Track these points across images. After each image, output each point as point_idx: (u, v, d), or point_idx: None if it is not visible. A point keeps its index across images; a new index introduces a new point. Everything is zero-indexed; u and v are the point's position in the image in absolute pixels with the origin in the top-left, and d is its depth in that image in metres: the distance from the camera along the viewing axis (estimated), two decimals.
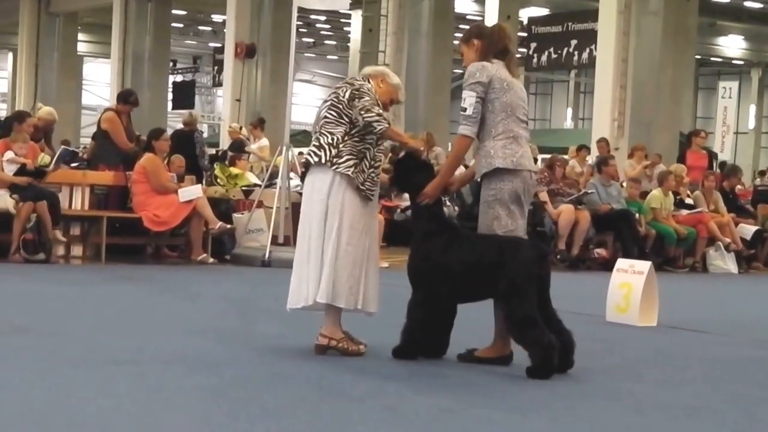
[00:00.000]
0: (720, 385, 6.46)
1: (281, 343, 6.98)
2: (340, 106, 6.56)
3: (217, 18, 44.15)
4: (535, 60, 29.26)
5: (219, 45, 39.01)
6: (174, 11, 38.22)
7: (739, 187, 19.30)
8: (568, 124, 52.20)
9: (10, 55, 48.00)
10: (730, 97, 31.31)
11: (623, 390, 5.99)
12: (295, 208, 12.69)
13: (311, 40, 52.38)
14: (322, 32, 50.76)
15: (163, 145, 13.02)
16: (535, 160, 15.96)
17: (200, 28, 51.40)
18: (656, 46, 21.80)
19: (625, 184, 16.58)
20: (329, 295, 6.44)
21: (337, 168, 6.47)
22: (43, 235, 11.68)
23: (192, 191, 12.75)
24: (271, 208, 13.18)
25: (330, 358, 6.47)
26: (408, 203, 14.25)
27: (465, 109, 6.42)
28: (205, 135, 32.95)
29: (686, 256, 15.93)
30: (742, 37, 43.43)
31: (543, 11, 34.73)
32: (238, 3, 28.84)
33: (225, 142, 23.06)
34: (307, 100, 48.80)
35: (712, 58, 45.87)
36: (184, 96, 38.60)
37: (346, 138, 6.52)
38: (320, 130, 6.60)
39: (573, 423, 5.16)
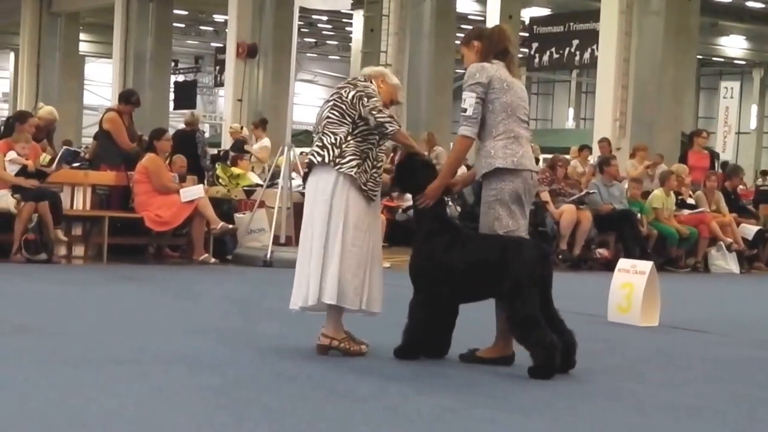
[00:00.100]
0: (721, 385, 6.46)
1: (283, 344, 6.98)
2: (343, 106, 6.56)
3: (218, 18, 44.18)
4: (536, 60, 29.25)
5: (221, 45, 39.00)
6: (176, 11, 38.23)
7: (741, 187, 19.31)
8: (570, 124, 52.20)
9: (12, 55, 48.03)
10: (731, 97, 31.27)
11: (625, 390, 5.99)
12: (296, 208, 12.70)
13: (313, 40, 52.39)
14: (324, 32, 50.77)
15: (164, 145, 13.02)
16: (537, 161, 15.98)
17: (202, 28, 51.42)
18: (658, 46, 21.78)
19: (626, 185, 16.56)
20: (335, 295, 6.43)
21: (340, 168, 6.47)
22: (45, 235, 11.68)
23: (194, 191, 12.75)
24: (273, 208, 13.18)
25: (332, 358, 6.47)
26: (409, 203, 14.27)
27: (465, 110, 6.43)
28: (206, 135, 33.00)
29: (688, 257, 15.93)
30: (744, 37, 43.42)
31: (544, 11, 34.73)
32: (239, 3, 28.85)
33: (227, 142, 23.07)
34: (308, 100, 48.79)
35: (713, 58, 45.87)
36: (186, 96, 38.59)
37: (349, 138, 6.52)
38: (323, 130, 6.60)
39: (575, 423, 5.16)
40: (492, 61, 6.52)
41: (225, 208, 13.63)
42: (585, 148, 20.10)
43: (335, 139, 6.52)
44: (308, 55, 54.41)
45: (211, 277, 11.69)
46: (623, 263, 9.30)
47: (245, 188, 14.62)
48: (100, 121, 14.06)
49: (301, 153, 15.36)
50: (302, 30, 42.27)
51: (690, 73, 24.00)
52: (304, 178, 6.74)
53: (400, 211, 16.36)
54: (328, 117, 6.60)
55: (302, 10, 14.19)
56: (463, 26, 30.06)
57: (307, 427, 4.77)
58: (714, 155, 20.22)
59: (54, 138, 15.58)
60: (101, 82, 49.15)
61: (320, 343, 6.57)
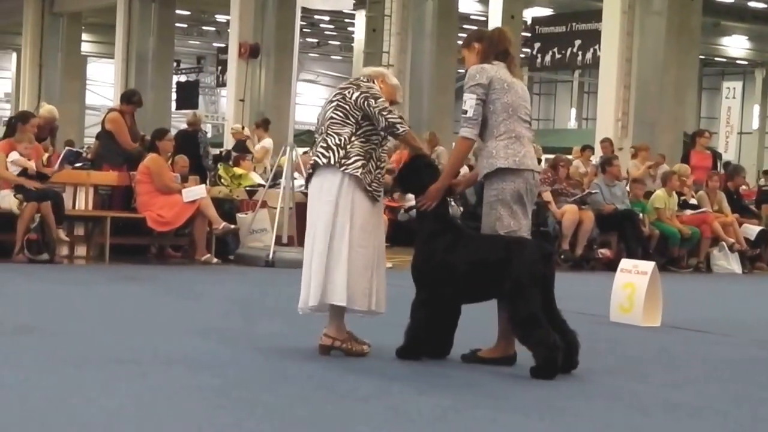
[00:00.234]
0: (723, 385, 6.45)
1: (285, 343, 6.98)
2: (347, 107, 6.55)
3: (220, 18, 44.17)
4: (538, 60, 29.30)
5: (223, 45, 39.03)
6: (178, 11, 38.23)
7: (743, 187, 19.29)
8: (572, 124, 52.17)
9: (14, 55, 48.03)
10: (734, 97, 31.33)
11: (627, 390, 5.99)
12: (299, 209, 12.71)
13: (315, 40, 52.39)
14: (326, 32, 50.78)
15: (166, 146, 13.03)
16: (539, 161, 15.99)
17: (204, 28, 51.41)
18: (660, 46, 21.77)
19: (628, 186, 16.56)
20: (345, 297, 6.43)
21: (345, 169, 6.45)
22: (47, 235, 11.68)
23: (196, 191, 12.76)
24: (275, 208, 13.17)
25: (333, 358, 6.47)
26: (411, 203, 14.27)
27: (466, 112, 6.44)
28: (208, 135, 32.93)
29: (690, 257, 15.92)
30: (746, 37, 43.38)
31: (547, 11, 34.72)
32: (241, 3, 28.86)
33: (229, 143, 23.08)
34: (310, 100, 48.79)
35: (716, 58, 45.84)
36: (188, 96, 38.60)
37: (353, 138, 6.51)
38: (327, 131, 6.58)
39: (576, 423, 5.16)
40: (493, 62, 6.52)
41: (227, 208, 13.63)
42: (587, 148, 20.12)
43: (340, 140, 6.50)
44: (310, 55, 54.41)
45: (212, 278, 11.70)
46: (625, 263, 9.29)
47: (247, 188, 14.61)
48: (102, 121, 14.06)
49: (304, 153, 15.38)
50: (304, 30, 42.29)
51: (692, 73, 23.98)
52: (308, 179, 6.72)
53: (402, 211, 16.36)
54: (331, 117, 6.58)
55: (304, 10, 14.19)
56: (465, 26, 30.09)
57: (308, 427, 4.77)
58: (716, 155, 20.22)
59: (57, 138, 15.59)
60: (103, 82, 49.15)
61: (322, 343, 6.56)
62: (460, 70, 29.55)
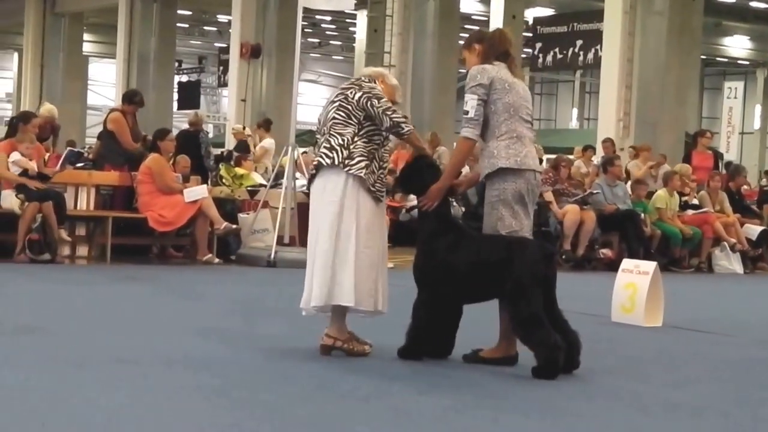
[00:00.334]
0: (725, 385, 6.45)
1: (286, 344, 6.97)
2: (350, 107, 6.54)
3: (222, 18, 44.15)
4: (540, 60, 29.27)
5: (224, 45, 39.04)
6: (179, 11, 38.24)
7: (744, 187, 19.27)
8: (574, 124, 52.18)
9: (16, 55, 48.04)
10: (735, 98, 31.29)
11: (628, 390, 5.98)
12: (300, 209, 12.71)
13: (316, 40, 52.40)
14: (328, 32, 50.78)
15: (168, 146, 13.03)
16: (541, 161, 15.99)
17: (205, 28, 51.41)
18: (661, 47, 21.77)
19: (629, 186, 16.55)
20: (353, 298, 6.42)
21: (349, 170, 6.43)
22: (49, 235, 11.68)
23: (197, 191, 12.76)
24: (277, 208, 13.18)
25: (334, 358, 6.46)
26: (413, 203, 14.27)
27: (467, 112, 6.43)
28: (210, 135, 32.96)
29: (692, 257, 15.91)
30: (748, 37, 43.37)
31: (548, 11, 34.72)
32: (243, 3, 28.86)
33: (230, 143, 23.08)
34: (312, 101, 48.76)
35: (717, 59, 45.82)
36: (190, 96, 38.61)
37: (356, 139, 6.49)
38: (329, 131, 6.57)
39: (577, 423, 5.16)
40: (493, 63, 6.52)
41: (228, 208, 13.63)
42: (589, 149, 20.11)
43: (343, 140, 6.49)
44: (312, 55, 54.43)
45: (214, 278, 11.69)
46: (627, 263, 9.29)
47: (249, 188, 14.62)
48: (103, 121, 14.07)
49: (304, 152, 15.37)
50: (306, 30, 42.31)
51: (693, 73, 23.96)
52: (310, 180, 6.72)
53: (403, 211, 16.37)
54: (334, 118, 6.57)
55: (306, 10, 14.18)
56: (466, 26, 30.05)
57: (308, 427, 4.76)
58: (718, 155, 20.23)
59: (59, 137, 15.60)
60: (105, 83, 49.22)
61: (324, 343, 6.56)
62: (462, 71, 29.52)
